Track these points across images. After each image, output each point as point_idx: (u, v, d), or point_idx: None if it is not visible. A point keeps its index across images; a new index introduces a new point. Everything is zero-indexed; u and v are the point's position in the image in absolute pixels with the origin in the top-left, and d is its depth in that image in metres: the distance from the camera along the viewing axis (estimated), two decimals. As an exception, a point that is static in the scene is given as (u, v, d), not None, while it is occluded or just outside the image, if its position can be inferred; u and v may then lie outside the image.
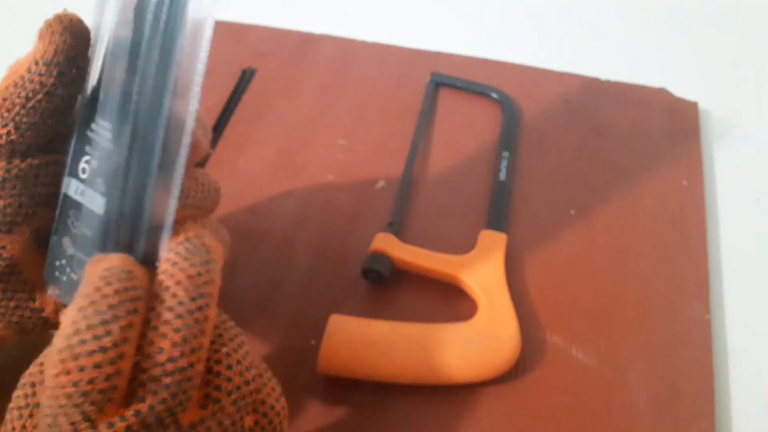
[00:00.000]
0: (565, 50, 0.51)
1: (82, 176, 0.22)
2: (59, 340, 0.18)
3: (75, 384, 0.18)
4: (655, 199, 0.40)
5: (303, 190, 0.40)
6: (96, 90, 0.22)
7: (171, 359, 0.19)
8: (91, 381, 0.18)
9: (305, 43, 0.50)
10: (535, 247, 0.38)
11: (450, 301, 0.35)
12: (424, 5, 0.56)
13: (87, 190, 0.22)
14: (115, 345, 0.18)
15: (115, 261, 0.19)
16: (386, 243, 0.36)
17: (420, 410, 0.31)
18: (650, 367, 0.33)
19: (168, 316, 0.19)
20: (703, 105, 0.46)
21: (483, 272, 0.35)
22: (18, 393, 0.20)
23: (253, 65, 0.49)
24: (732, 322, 0.36)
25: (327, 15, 0.54)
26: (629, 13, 0.55)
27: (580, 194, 0.41)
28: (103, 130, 0.22)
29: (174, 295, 0.19)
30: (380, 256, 0.35)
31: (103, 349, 0.18)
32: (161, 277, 0.20)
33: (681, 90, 0.47)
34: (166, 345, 0.19)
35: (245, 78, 0.48)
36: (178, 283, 0.19)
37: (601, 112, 0.46)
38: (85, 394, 0.18)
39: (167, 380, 0.19)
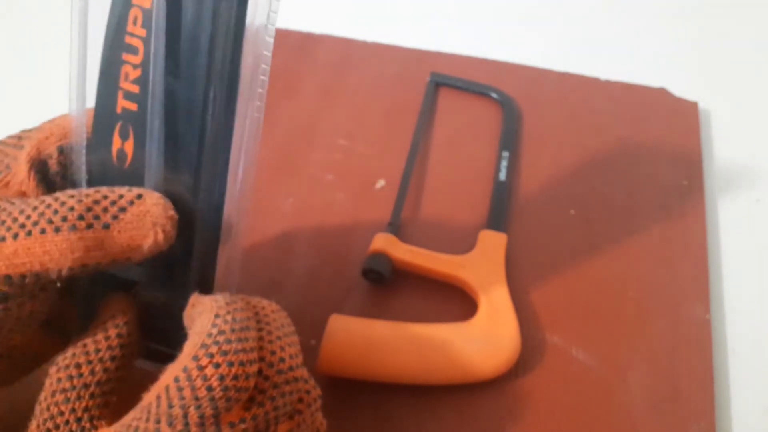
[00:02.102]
0: (565, 50, 0.51)
1: None
2: (200, 337, 0.18)
3: (221, 378, 0.18)
4: (655, 199, 0.40)
5: (303, 190, 0.40)
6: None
7: (291, 368, 0.19)
8: (235, 377, 0.18)
9: (305, 43, 0.50)
10: (535, 247, 0.38)
11: (450, 301, 0.35)
12: (424, 5, 0.56)
13: None
14: (252, 349, 0.19)
15: None
16: (386, 243, 0.36)
17: (420, 410, 0.31)
18: (650, 367, 0.33)
19: (278, 331, 0.20)
20: (703, 105, 0.46)
21: (483, 272, 0.35)
22: (60, 375, 0.20)
23: (253, 65, 0.49)
24: (732, 322, 0.36)
25: (327, 15, 0.54)
26: (629, 13, 0.55)
27: (580, 194, 0.41)
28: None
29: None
30: (380, 256, 0.35)
31: (245, 351, 0.18)
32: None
33: (681, 90, 0.47)
34: (285, 355, 0.20)
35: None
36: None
37: (601, 112, 0.46)
38: (225, 389, 0.18)
39: (287, 388, 0.19)
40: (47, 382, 0.20)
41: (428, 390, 0.31)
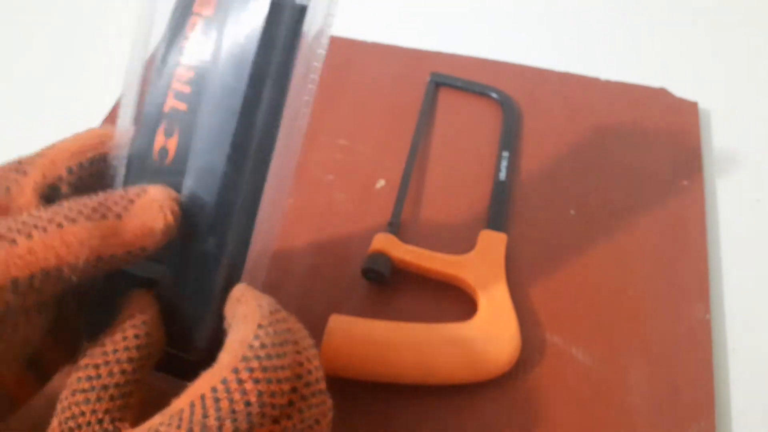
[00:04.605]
0: (565, 50, 0.51)
1: None
2: (241, 348, 0.18)
3: (259, 394, 0.18)
4: (655, 199, 0.40)
5: (303, 190, 0.40)
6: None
7: (317, 381, 0.20)
8: (272, 394, 0.18)
9: (305, 42, 0.50)
10: (535, 247, 0.38)
11: (450, 301, 0.35)
12: (424, 5, 0.56)
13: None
14: (290, 366, 0.19)
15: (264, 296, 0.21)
16: (386, 243, 0.36)
17: (420, 410, 0.31)
18: (650, 367, 0.33)
19: (305, 342, 0.20)
20: (703, 105, 0.46)
21: (483, 272, 0.35)
22: (79, 375, 0.19)
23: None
24: (732, 322, 0.36)
25: (327, 15, 0.54)
26: (629, 13, 0.55)
27: (580, 194, 0.41)
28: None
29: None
30: (380, 256, 0.35)
31: (284, 368, 0.18)
32: None
33: (681, 90, 0.47)
34: (313, 368, 0.20)
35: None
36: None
37: (601, 112, 0.46)
38: (262, 405, 0.18)
39: (313, 401, 0.19)
40: (68, 380, 0.20)
41: (428, 390, 0.31)
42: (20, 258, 0.18)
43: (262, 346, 0.18)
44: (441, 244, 0.37)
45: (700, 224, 0.39)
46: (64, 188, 0.21)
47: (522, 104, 0.46)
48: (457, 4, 0.56)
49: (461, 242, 0.37)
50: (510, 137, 0.43)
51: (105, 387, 0.19)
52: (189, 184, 0.21)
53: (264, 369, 0.18)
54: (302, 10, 0.21)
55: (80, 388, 0.19)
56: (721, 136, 0.45)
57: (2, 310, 0.18)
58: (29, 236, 0.18)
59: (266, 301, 0.20)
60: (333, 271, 0.36)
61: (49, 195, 0.21)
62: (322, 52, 0.22)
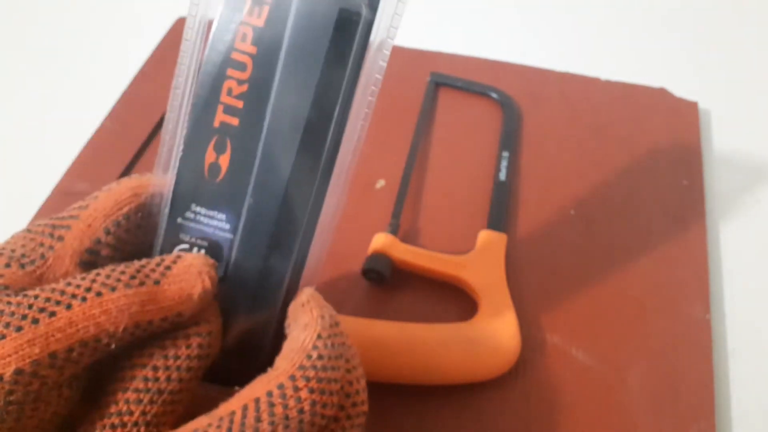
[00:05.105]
0: (565, 50, 0.51)
1: None
2: (300, 357, 0.19)
3: (312, 403, 0.18)
4: (655, 199, 0.40)
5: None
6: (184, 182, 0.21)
7: (362, 402, 0.20)
8: (324, 405, 0.18)
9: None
10: (535, 247, 0.38)
11: (450, 301, 0.35)
12: (424, 5, 0.56)
13: None
14: (341, 380, 0.19)
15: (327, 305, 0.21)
16: (386, 243, 0.36)
17: (420, 410, 0.31)
18: (650, 367, 0.33)
19: (354, 360, 0.21)
20: (703, 105, 0.46)
21: (483, 272, 0.35)
22: (135, 373, 0.19)
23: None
24: (732, 322, 0.36)
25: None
26: (629, 13, 0.55)
27: (580, 194, 0.41)
28: (205, 218, 0.21)
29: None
30: (380, 256, 0.35)
31: (336, 381, 0.19)
32: None
33: (681, 90, 0.47)
34: (360, 387, 0.20)
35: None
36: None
37: (601, 112, 0.46)
38: (313, 414, 0.18)
39: (357, 420, 0.20)
40: (120, 374, 0.19)
41: (428, 390, 0.31)
42: (60, 330, 0.17)
43: (320, 357, 0.19)
44: (441, 244, 0.37)
45: (700, 224, 0.39)
46: (104, 251, 0.21)
47: (522, 104, 0.46)
48: (457, 4, 0.56)
49: (461, 242, 0.37)
50: (510, 137, 0.43)
51: (160, 391, 0.19)
52: (250, 200, 0.21)
53: (319, 380, 0.18)
54: (369, 24, 0.21)
55: (133, 387, 0.19)
56: (721, 136, 0.45)
57: (37, 387, 0.17)
58: (69, 307, 0.18)
59: (328, 313, 0.21)
60: (333, 271, 0.36)
61: (88, 260, 0.21)
62: (383, 63, 0.21)
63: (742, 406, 0.32)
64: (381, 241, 0.36)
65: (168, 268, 0.20)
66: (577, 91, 0.47)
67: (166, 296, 0.19)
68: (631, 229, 0.39)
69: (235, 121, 0.21)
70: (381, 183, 0.41)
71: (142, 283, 0.19)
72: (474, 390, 0.31)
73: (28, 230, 0.21)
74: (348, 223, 0.39)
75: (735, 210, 0.41)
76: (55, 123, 0.47)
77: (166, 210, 0.22)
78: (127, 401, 0.19)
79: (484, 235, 0.37)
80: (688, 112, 0.46)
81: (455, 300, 0.35)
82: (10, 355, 0.17)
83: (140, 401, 0.19)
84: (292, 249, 0.22)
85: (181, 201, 0.21)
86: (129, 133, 0.44)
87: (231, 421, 0.18)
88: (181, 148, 0.21)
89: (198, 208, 0.21)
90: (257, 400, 0.18)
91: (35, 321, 0.17)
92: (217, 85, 0.21)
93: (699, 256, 0.37)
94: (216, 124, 0.21)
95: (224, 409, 0.18)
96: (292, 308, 0.22)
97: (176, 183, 0.21)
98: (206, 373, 0.21)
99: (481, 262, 0.35)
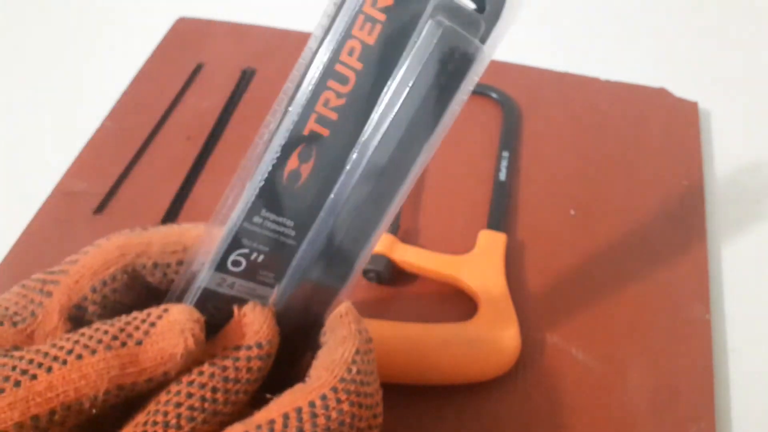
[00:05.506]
0: (565, 50, 0.51)
1: (234, 269, 0.21)
2: (341, 369, 0.19)
3: (352, 416, 0.19)
4: (655, 199, 0.40)
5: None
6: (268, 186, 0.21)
7: (381, 413, 0.20)
8: (360, 419, 0.19)
9: (305, 43, 0.50)
10: (535, 247, 0.38)
11: (450, 301, 0.35)
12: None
13: (238, 281, 0.21)
14: (374, 395, 0.20)
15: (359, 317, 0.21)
16: (386, 243, 0.36)
17: (420, 410, 0.31)
18: (650, 367, 0.33)
19: (376, 372, 0.21)
20: (703, 105, 0.46)
21: (483, 272, 0.35)
22: (192, 390, 0.19)
23: (253, 66, 0.49)
24: (732, 322, 0.36)
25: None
26: (629, 13, 0.55)
27: (580, 194, 0.41)
28: (273, 224, 0.21)
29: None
30: (380, 256, 0.35)
31: (372, 395, 0.20)
32: None
33: (681, 90, 0.47)
34: (380, 399, 0.21)
35: (245, 78, 0.48)
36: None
37: (601, 112, 0.46)
38: (351, 427, 0.19)
39: (376, 431, 0.20)
40: (174, 386, 0.19)
41: (428, 390, 0.31)
42: (40, 395, 0.17)
43: (359, 372, 0.19)
44: (441, 244, 0.37)
45: (700, 224, 0.39)
46: (91, 308, 0.21)
47: (522, 104, 0.46)
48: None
49: (461, 242, 0.37)
50: (510, 137, 0.43)
51: (215, 413, 0.19)
52: (323, 214, 0.21)
53: (358, 394, 0.19)
54: (471, 60, 0.20)
55: (188, 405, 0.19)
56: (721, 136, 0.45)
57: None
58: (49, 370, 0.18)
59: (364, 328, 0.21)
60: (333, 271, 0.36)
61: (76, 315, 0.21)
62: (475, 78, 0.21)
63: (742, 406, 0.32)
64: (381, 241, 0.36)
65: (152, 324, 0.19)
66: (577, 91, 0.47)
67: (147, 357, 0.19)
68: (631, 229, 0.39)
69: (325, 132, 0.20)
70: (381, 183, 0.41)
71: (123, 344, 0.19)
72: (474, 390, 0.31)
73: (23, 285, 0.21)
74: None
75: (735, 210, 0.41)
76: (55, 123, 0.47)
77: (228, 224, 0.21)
78: (178, 416, 0.18)
79: (484, 235, 0.37)
80: (688, 112, 0.46)
81: (455, 300, 0.35)
82: None
83: (192, 419, 0.19)
84: (349, 271, 0.22)
85: (253, 206, 0.21)
86: (129, 133, 0.44)
87: (271, 429, 0.18)
88: (277, 152, 0.21)
89: (268, 214, 0.21)
90: (299, 410, 0.18)
91: (17, 384, 0.17)
92: (315, 94, 0.20)
93: (699, 256, 0.37)
94: (306, 131, 0.21)
95: (262, 416, 0.18)
96: (331, 319, 0.22)
97: (260, 189, 0.21)
98: None
99: (481, 262, 0.35)
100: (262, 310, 0.21)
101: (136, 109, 0.46)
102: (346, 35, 0.20)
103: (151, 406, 0.19)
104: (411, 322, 0.32)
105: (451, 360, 0.31)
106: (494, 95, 0.46)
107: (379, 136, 0.20)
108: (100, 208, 0.40)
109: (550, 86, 0.47)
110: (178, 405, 0.18)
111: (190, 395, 0.19)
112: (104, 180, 0.41)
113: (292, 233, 0.21)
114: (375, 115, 0.20)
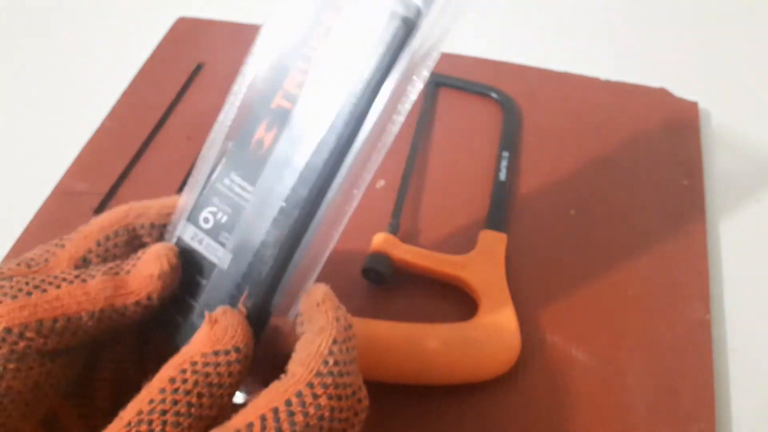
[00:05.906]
0: (565, 50, 0.51)
1: (204, 225, 0.24)
2: (316, 363, 0.19)
3: (331, 410, 0.18)
4: (655, 199, 0.40)
5: (303, 190, 0.40)
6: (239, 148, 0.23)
7: (366, 397, 0.20)
8: (340, 410, 0.19)
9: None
10: (535, 247, 0.38)
11: (450, 301, 0.35)
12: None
13: (206, 239, 0.24)
14: (356, 384, 0.20)
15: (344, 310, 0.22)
16: (386, 243, 0.36)
17: (420, 410, 0.31)
18: (650, 367, 0.33)
19: (357, 360, 0.21)
20: (703, 105, 0.46)
21: (483, 272, 0.35)
22: (177, 398, 0.19)
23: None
24: (732, 322, 0.36)
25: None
26: (629, 13, 0.55)
27: (580, 194, 0.41)
28: (239, 189, 0.23)
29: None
30: (380, 256, 0.35)
31: (351, 385, 0.19)
32: None
33: (681, 90, 0.47)
34: (362, 383, 0.20)
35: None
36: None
37: (601, 112, 0.46)
38: (332, 420, 0.18)
39: (363, 416, 0.20)
40: (159, 384, 0.19)
41: (428, 390, 0.31)
42: (47, 302, 0.20)
43: (336, 363, 0.19)
44: (441, 244, 0.37)
45: (700, 224, 0.39)
46: (94, 259, 0.24)
47: (522, 104, 0.46)
48: (457, 4, 0.56)
49: (461, 242, 0.37)
50: (510, 137, 0.43)
51: (200, 418, 0.19)
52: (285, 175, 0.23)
53: (336, 386, 0.19)
54: (411, 26, 0.23)
55: (174, 411, 0.19)
56: (721, 136, 0.45)
57: (22, 348, 0.20)
58: (58, 287, 0.21)
59: (343, 315, 0.21)
60: (333, 271, 0.36)
61: (82, 265, 0.24)
62: (426, 73, 0.23)
63: (742, 406, 0.32)
64: (381, 240, 0.36)
65: (138, 258, 0.23)
66: (577, 91, 0.47)
67: (134, 281, 0.22)
68: (631, 229, 0.39)
69: (288, 105, 0.23)
70: (381, 183, 0.41)
71: (116, 274, 0.22)
72: (474, 390, 0.31)
73: (47, 243, 0.24)
74: (348, 223, 0.39)
75: (735, 210, 0.41)
76: (55, 123, 0.47)
77: (207, 176, 0.23)
78: (164, 423, 0.19)
79: (484, 235, 0.37)
80: (688, 112, 0.46)
81: (455, 300, 0.35)
82: (2, 315, 0.20)
83: (178, 424, 0.19)
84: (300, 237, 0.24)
85: (225, 169, 0.23)
86: (129, 133, 0.44)
87: None
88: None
89: (235, 177, 0.23)
90: (275, 410, 0.18)
91: (29, 294, 0.21)
92: (282, 72, 0.23)
93: (699, 256, 0.37)
94: (273, 106, 0.23)
95: (240, 420, 0.18)
96: (306, 306, 0.22)
97: (225, 147, 0.23)
98: None
99: (481, 262, 0.35)
100: (233, 313, 0.21)
101: (136, 109, 0.46)
102: (319, 21, 0.22)
103: (143, 406, 0.19)
104: (411, 322, 0.32)
105: (451, 360, 0.31)
106: (494, 95, 0.46)
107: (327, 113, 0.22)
108: (100, 208, 0.40)
109: (550, 86, 0.47)
110: (164, 413, 0.19)
111: (175, 402, 0.19)
112: (104, 180, 0.41)
113: (248, 197, 0.23)
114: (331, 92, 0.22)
